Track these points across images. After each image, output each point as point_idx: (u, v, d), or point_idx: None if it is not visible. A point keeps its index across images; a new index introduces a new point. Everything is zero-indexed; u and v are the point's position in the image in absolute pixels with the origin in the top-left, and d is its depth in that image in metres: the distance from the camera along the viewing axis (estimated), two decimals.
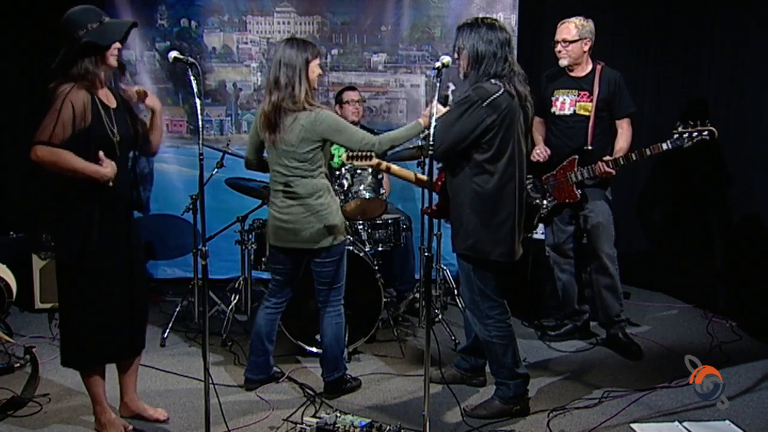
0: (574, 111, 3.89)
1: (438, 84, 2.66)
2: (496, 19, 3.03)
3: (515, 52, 5.18)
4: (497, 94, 2.87)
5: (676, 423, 3.08)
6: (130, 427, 3.00)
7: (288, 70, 3.06)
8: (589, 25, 3.86)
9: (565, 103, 3.91)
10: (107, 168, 2.69)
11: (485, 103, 2.85)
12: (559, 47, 3.88)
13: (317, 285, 3.33)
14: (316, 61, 3.15)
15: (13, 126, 5.15)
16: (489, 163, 2.93)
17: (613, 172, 3.76)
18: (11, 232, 4.78)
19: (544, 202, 3.95)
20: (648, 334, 4.27)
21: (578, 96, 3.88)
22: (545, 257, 4.63)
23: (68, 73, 2.69)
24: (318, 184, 3.17)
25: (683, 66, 4.95)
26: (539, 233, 4.70)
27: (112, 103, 2.81)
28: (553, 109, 3.96)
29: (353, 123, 4.73)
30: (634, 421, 3.11)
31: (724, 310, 4.57)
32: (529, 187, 4.03)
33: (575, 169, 3.85)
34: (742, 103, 4.48)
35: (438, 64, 2.72)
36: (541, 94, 3.98)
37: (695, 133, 3.58)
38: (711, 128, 3.57)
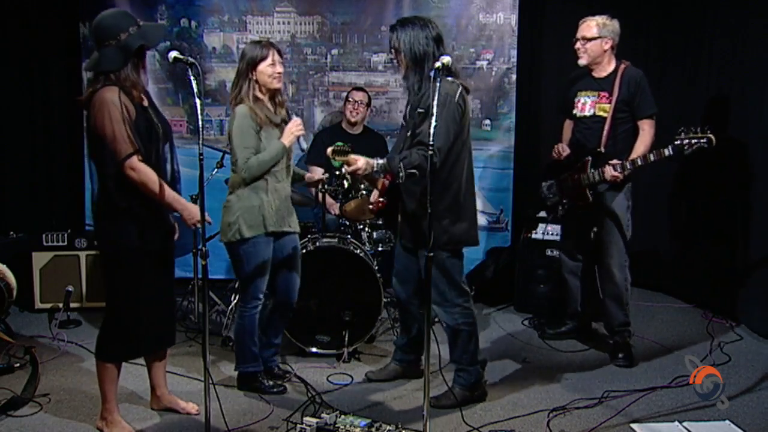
0: (594, 112, 3.80)
1: (438, 84, 2.66)
2: (424, 18, 3.13)
3: (515, 52, 5.30)
4: (459, 91, 3.01)
5: (676, 423, 3.07)
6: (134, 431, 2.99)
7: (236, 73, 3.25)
8: (612, 24, 3.75)
9: (585, 104, 3.84)
10: (195, 210, 2.80)
11: (456, 99, 2.99)
12: (578, 44, 3.78)
13: None
14: (264, 64, 3.16)
15: (13, 126, 5.15)
16: (458, 154, 3.07)
17: (620, 176, 3.65)
18: (11, 232, 4.77)
19: (563, 201, 3.95)
20: (648, 334, 4.27)
21: (598, 97, 3.78)
22: (545, 257, 4.64)
23: (110, 78, 2.69)
24: (237, 180, 3.20)
25: (683, 66, 4.95)
26: (538, 233, 4.71)
27: (145, 102, 2.84)
28: (574, 111, 3.89)
29: (352, 122, 4.73)
30: (634, 421, 3.10)
31: (724, 310, 4.57)
32: (546, 186, 4.06)
33: (588, 171, 3.79)
34: (742, 104, 4.47)
35: (438, 64, 2.71)
36: (566, 96, 3.96)
37: (694, 140, 3.46)
38: (709, 136, 3.44)
